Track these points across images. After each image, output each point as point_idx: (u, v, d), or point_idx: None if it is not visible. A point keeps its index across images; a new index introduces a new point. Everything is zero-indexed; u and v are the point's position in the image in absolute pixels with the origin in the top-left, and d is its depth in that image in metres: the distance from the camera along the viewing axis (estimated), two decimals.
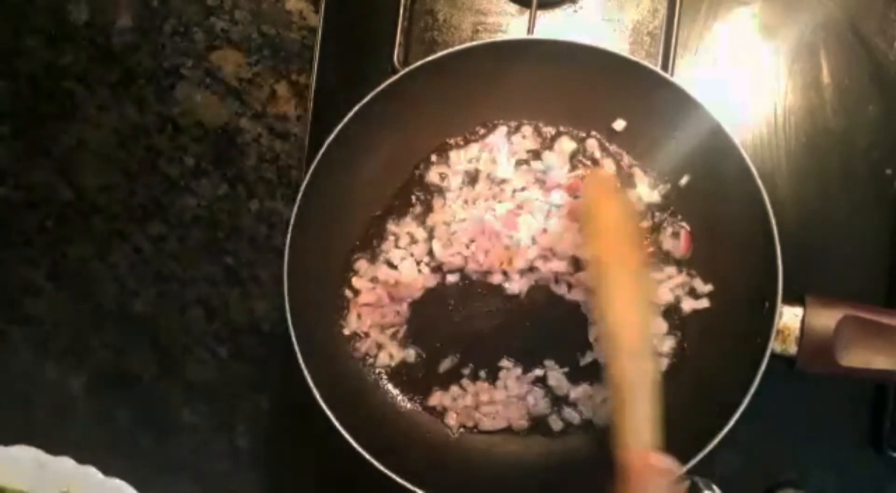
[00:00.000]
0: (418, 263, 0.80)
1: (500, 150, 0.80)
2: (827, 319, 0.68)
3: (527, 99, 0.80)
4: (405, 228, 0.81)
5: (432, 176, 0.81)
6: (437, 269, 0.80)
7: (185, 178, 0.87)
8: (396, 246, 0.81)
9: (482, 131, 0.81)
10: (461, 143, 0.81)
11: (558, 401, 0.78)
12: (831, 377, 0.70)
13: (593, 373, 0.78)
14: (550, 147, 0.80)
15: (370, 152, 0.79)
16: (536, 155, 0.80)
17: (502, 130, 0.81)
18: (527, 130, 0.81)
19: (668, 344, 0.76)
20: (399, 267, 0.80)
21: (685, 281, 0.77)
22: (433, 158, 0.81)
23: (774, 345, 0.68)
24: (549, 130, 0.80)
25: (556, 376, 0.78)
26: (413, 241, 0.81)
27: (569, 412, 0.78)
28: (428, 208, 0.81)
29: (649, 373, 0.59)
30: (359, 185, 0.80)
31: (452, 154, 0.81)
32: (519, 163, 0.80)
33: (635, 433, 0.58)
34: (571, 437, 0.78)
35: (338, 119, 0.74)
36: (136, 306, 0.87)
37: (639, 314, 0.62)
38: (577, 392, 0.78)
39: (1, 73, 0.89)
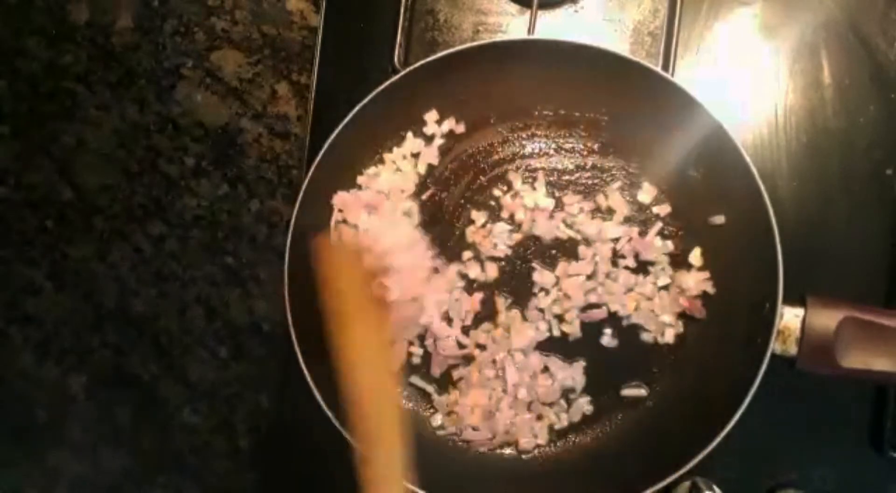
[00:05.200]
0: None
1: None
2: (827, 319, 0.68)
3: (527, 99, 0.80)
4: None
5: None
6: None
7: (185, 178, 0.87)
8: None
9: None
10: None
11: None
12: (831, 378, 0.70)
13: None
14: None
15: (370, 152, 0.80)
16: None
17: None
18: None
19: (668, 344, 0.77)
20: None
21: (684, 278, 0.77)
22: None
23: (775, 345, 0.68)
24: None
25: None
26: None
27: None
28: None
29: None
30: (359, 184, 0.80)
31: None
32: None
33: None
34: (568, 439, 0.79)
35: (338, 119, 0.74)
36: (136, 306, 0.87)
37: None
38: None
39: (1, 73, 0.89)
